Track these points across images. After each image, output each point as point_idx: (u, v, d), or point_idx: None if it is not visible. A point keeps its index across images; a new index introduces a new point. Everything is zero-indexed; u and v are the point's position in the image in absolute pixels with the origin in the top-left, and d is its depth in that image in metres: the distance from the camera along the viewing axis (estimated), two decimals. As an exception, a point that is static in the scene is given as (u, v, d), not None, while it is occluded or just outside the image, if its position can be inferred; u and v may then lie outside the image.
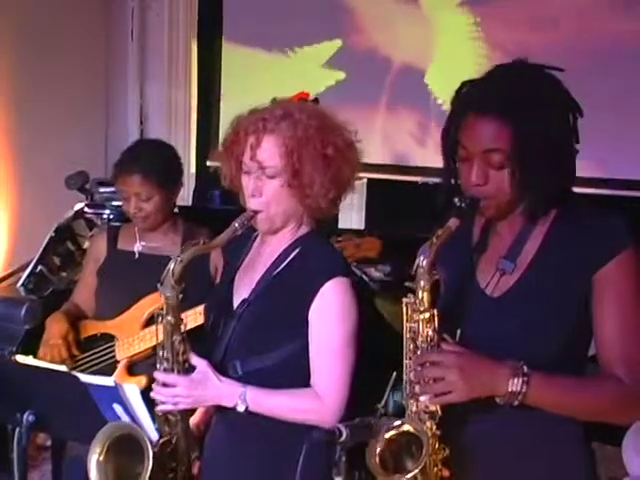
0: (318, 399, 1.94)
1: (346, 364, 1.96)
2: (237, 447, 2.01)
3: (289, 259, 2.01)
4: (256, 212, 1.96)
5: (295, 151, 1.92)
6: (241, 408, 1.93)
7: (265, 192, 1.95)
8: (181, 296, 1.93)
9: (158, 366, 1.96)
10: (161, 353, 1.96)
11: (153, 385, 1.97)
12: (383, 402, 1.73)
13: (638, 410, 1.70)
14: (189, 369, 1.96)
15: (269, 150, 1.94)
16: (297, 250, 2.01)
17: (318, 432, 1.62)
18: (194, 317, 2.43)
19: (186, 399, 1.94)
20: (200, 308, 2.43)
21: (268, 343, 1.97)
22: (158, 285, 1.93)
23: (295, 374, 1.97)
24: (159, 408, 1.96)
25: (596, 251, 1.69)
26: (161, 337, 1.95)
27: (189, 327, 2.01)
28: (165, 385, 1.95)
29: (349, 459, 1.60)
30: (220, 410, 2.03)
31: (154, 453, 1.85)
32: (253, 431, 1.98)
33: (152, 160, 2.82)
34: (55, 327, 2.77)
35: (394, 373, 1.76)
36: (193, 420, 2.08)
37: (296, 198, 1.97)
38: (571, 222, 1.74)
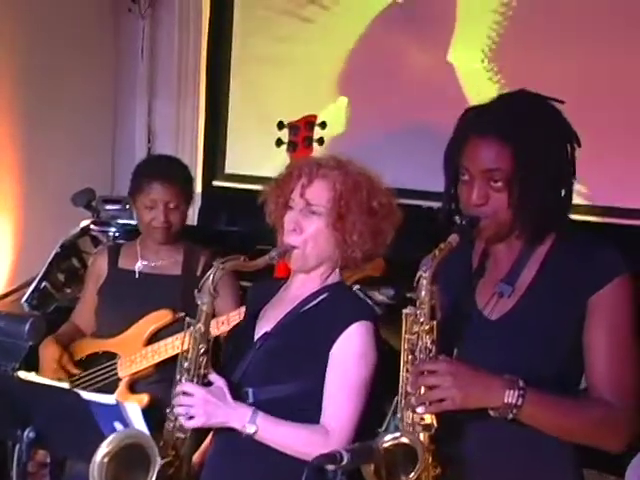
0: (326, 435, 1.95)
1: (359, 405, 1.98)
2: (235, 477, 2.01)
3: (317, 301, 2.04)
4: (293, 247, 2.00)
5: (343, 196, 1.99)
6: (250, 430, 1.93)
7: (306, 229, 2.00)
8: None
9: (178, 377, 1.99)
10: (184, 364, 1.98)
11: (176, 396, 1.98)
12: (384, 426, 1.72)
13: (626, 435, 1.72)
14: (207, 385, 1.97)
15: (319, 191, 2.01)
16: (325, 295, 2.05)
17: (318, 457, 1.61)
18: (216, 325, 2.43)
19: (199, 410, 1.94)
20: (222, 318, 2.42)
21: (284, 374, 1.99)
22: (195, 292, 1.97)
23: (306, 409, 1.98)
24: (176, 411, 1.97)
25: (592, 275, 1.72)
26: (186, 346, 1.98)
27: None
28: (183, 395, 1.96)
29: (349, 484, 1.59)
30: (218, 442, 2.04)
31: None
32: (252, 460, 1.98)
33: (182, 171, 2.93)
34: (47, 353, 2.76)
35: (396, 398, 1.76)
36: (193, 458, 2.09)
37: (334, 243, 2.01)
38: (568, 247, 1.78)
